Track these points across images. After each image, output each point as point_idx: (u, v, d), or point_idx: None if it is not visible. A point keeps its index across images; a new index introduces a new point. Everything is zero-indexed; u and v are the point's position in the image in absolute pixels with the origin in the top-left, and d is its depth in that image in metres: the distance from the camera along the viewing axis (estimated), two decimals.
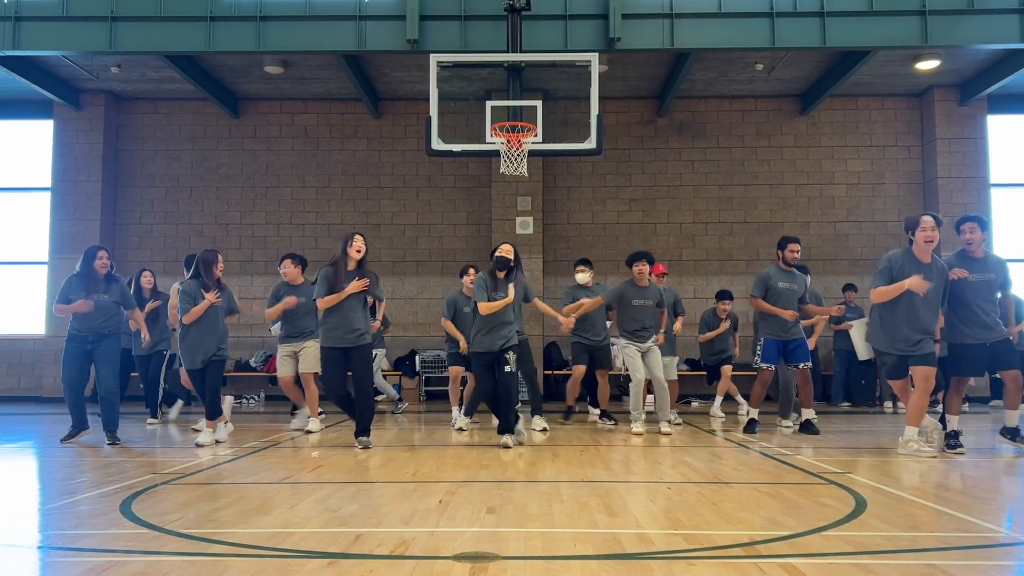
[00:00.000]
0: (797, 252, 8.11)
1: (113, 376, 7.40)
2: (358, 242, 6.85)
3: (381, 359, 10.72)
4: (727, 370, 10.22)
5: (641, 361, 8.01)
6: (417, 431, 8.56)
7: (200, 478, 5.33)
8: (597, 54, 9.30)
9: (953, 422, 6.53)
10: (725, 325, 10.10)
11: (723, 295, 10.35)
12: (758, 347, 8.21)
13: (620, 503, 4.33)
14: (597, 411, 9.74)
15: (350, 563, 3.12)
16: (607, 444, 7.20)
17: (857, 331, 11.63)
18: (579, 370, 9.07)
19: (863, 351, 11.52)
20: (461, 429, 8.28)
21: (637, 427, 7.87)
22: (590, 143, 9.12)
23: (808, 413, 8.06)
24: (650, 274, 8.36)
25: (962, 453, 6.36)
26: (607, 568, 3.04)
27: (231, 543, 3.47)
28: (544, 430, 8.10)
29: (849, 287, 12.34)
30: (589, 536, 3.57)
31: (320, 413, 8.53)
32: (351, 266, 6.82)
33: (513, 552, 3.27)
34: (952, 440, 6.47)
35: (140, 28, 10.40)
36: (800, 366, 8.08)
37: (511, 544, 3.41)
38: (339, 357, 6.80)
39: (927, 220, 6.29)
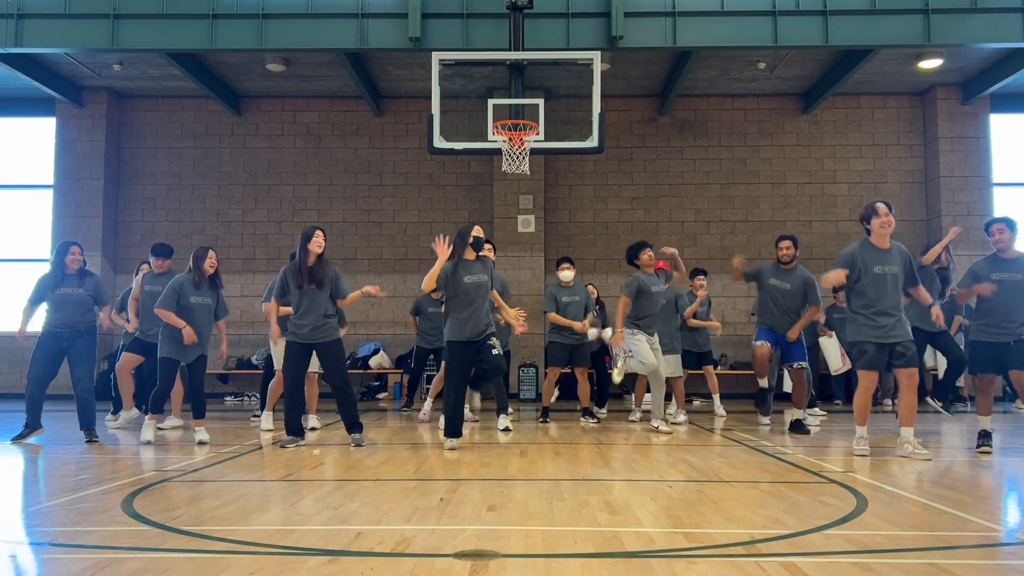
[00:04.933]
0: (787, 249, 8.05)
1: (89, 375, 7.37)
2: (319, 237, 6.88)
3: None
4: (710, 370, 10.16)
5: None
6: (419, 429, 8.55)
7: (201, 475, 5.34)
8: (599, 52, 9.28)
9: (985, 422, 6.51)
10: (702, 294, 9.79)
11: (697, 272, 10.24)
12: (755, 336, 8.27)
13: (621, 501, 4.33)
14: (604, 411, 9.76)
15: (351, 560, 3.12)
16: (608, 443, 7.20)
17: (833, 341, 11.20)
18: (555, 372, 9.13)
19: (835, 361, 11.27)
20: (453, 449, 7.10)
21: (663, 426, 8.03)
22: (592, 141, 9.12)
23: (798, 413, 8.05)
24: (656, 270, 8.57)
25: (988, 453, 6.36)
26: (608, 566, 3.04)
27: (232, 540, 3.47)
28: (506, 429, 7.97)
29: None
30: (590, 534, 3.57)
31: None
32: (311, 261, 6.85)
33: (514, 550, 3.27)
34: (980, 440, 6.47)
35: (142, 25, 10.40)
36: (794, 365, 8.05)
37: (512, 542, 3.41)
38: (304, 353, 6.84)
39: (882, 207, 6.35)
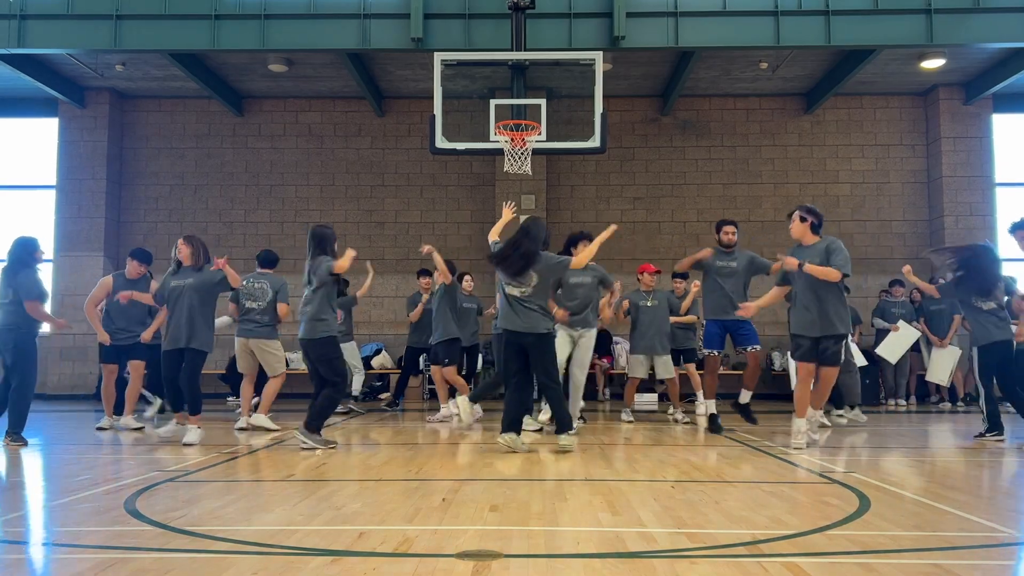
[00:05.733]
0: (731, 234, 7.95)
1: None
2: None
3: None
4: (692, 369, 10.14)
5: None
6: (420, 429, 8.56)
7: (204, 475, 5.34)
8: (601, 52, 9.27)
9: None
10: (695, 288, 9.72)
11: (676, 276, 10.23)
12: (700, 333, 8.10)
13: (623, 502, 4.32)
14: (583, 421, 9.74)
15: (353, 560, 3.12)
16: (610, 443, 7.20)
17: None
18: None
19: (859, 356, 11.23)
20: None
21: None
22: (594, 141, 9.12)
23: (744, 396, 7.78)
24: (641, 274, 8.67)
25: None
26: (610, 566, 3.04)
27: (235, 540, 3.47)
28: (540, 429, 8.02)
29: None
30: (592, 534, 3.57)
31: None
32: None
33: (516, 550, 3.27)
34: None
35: (145, 26, 10.42)
36: (748, 350, 7.84)
37: (514, 542, 3.41)
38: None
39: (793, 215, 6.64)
